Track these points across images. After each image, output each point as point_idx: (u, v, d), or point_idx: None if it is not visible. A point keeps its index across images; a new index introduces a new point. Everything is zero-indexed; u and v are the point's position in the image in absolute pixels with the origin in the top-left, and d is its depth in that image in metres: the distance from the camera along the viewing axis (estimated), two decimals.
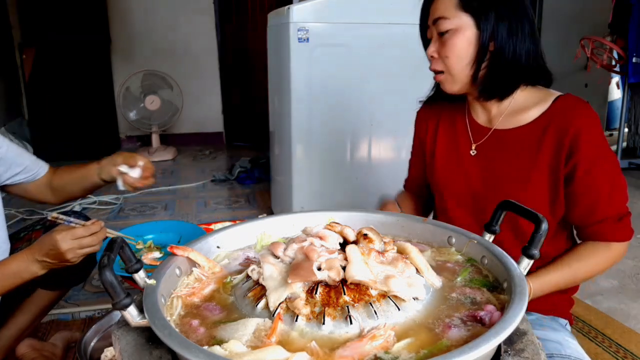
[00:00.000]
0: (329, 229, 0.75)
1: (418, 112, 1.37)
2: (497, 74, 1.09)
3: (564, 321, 1.16)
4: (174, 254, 0.76)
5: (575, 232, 1.19)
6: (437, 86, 1.22)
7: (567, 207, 1.11)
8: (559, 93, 1.14)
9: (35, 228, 1.48)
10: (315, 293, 0.63)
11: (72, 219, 1.21)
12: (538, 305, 1.14)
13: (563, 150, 1.07)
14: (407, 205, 1.41)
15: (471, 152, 1.20)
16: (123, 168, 1.36)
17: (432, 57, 1.13)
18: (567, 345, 1.02)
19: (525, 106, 1.14)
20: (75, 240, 1.15)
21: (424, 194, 1.40)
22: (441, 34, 1.09)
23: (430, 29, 1.12)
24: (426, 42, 1.17)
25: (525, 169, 1.12)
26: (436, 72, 1.14)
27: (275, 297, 0.63)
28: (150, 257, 1.41)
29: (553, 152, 1.09)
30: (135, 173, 1.37)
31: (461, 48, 1.07)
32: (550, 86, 1.18)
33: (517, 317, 0.56)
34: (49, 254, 1.16)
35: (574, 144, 1.06)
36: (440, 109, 1.28)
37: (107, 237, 1.30)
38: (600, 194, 1.07)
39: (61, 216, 1.20)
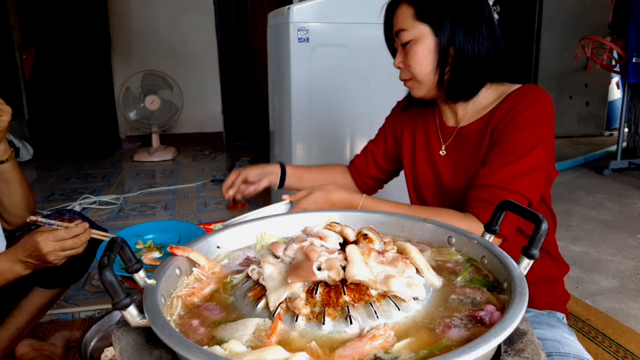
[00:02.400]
0: (329, 229, 0.74)
1: (399, 102, 1.44)
2: (460, 76, 1.14)
3: (561, 315, 1.17)
4: (174, 255, 0.76)
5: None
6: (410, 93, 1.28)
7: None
8: (519, 85, 1.17)
9: (30, 228, 1.47)
10: (315, 293, 0.63)
11: (52, 221, 1.19)
12: (534, 300, 1.15)
13: (504, 121, 1.10)
14: (344, 180, 1.48)
15: (441, 152, 1.26)
16: None
17: (399, 67, 1.20)
18: (566, 342, 1.02)
19: (487, 103, 1.19)
20: (56, 242, 1.14)
21: (364, 174, 1.46)
22: (403, 45, 1.16)
23: (395, 40, 1.19)
24: (394, 53, 1.23)
25: (477, 154, 1.16)
26: (404, 81, 1.21)
27: (275, 297, 0.63)
28: (150, 257, 1.41)
29: (496, 128, 1.12)
30: None
31: (423, 56, 1.14)
32: (514, 81, 1.21)
33: (517, 317, 0.56)
34: (32, 255, 1.15)
35: (515, 113, 1.09)
36: (415, 113, 1.35)
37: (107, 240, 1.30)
38: (497, 159, 1.07)
39: (40, 218, 1.18)
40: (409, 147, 1.35)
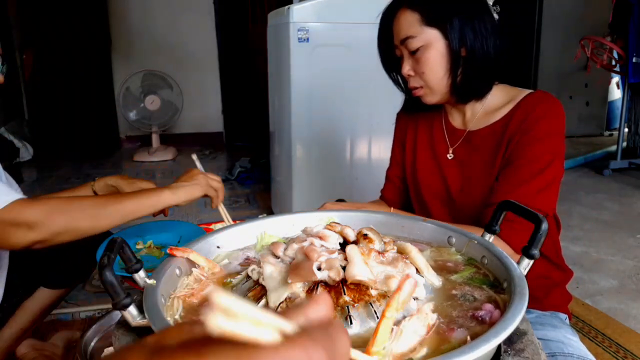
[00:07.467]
0: (329, 229, 0.74)
1: (398, 114, 1.39)
2: (472, 76, 1.11)
3: (564, 316, 1.17)
4: (173, 256, 0.76)
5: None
6: (411, 98, 1.22)
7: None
8: (530, 91, 1.16)
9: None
10: (315, 293, 0.63)
11: None
12: (537, 302, 1.15)
13: (519, 132, 1.09)
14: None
15: (448, 155, 1.22)
16: None
17: (408, 75, 1.15)
18: (569, 343, 1.03)
19: (497, 106, 1.17)
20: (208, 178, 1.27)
21: (399, 202, 1.39)
22: (412, 52, 1.11)
23: (398, 48, 1.15)
24: (389, 62, 1.19)
25: (492, 165, 1.14)
26: (414, 89, 1.16)
27: (275, 297, 0.63)
28: None
29: (512, 140, 1.10)
30: None
31: (435, 62, 1.10)
32: (515, 82, 1.20)
33: (517, 317, 0.56)
34: (181, 178, 1.25)
35: (530, 125, 1.07)
36: (417, 114, 1.31)
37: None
38: (514, 175, 1.07)
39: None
40: (410, 149, 1.31)
